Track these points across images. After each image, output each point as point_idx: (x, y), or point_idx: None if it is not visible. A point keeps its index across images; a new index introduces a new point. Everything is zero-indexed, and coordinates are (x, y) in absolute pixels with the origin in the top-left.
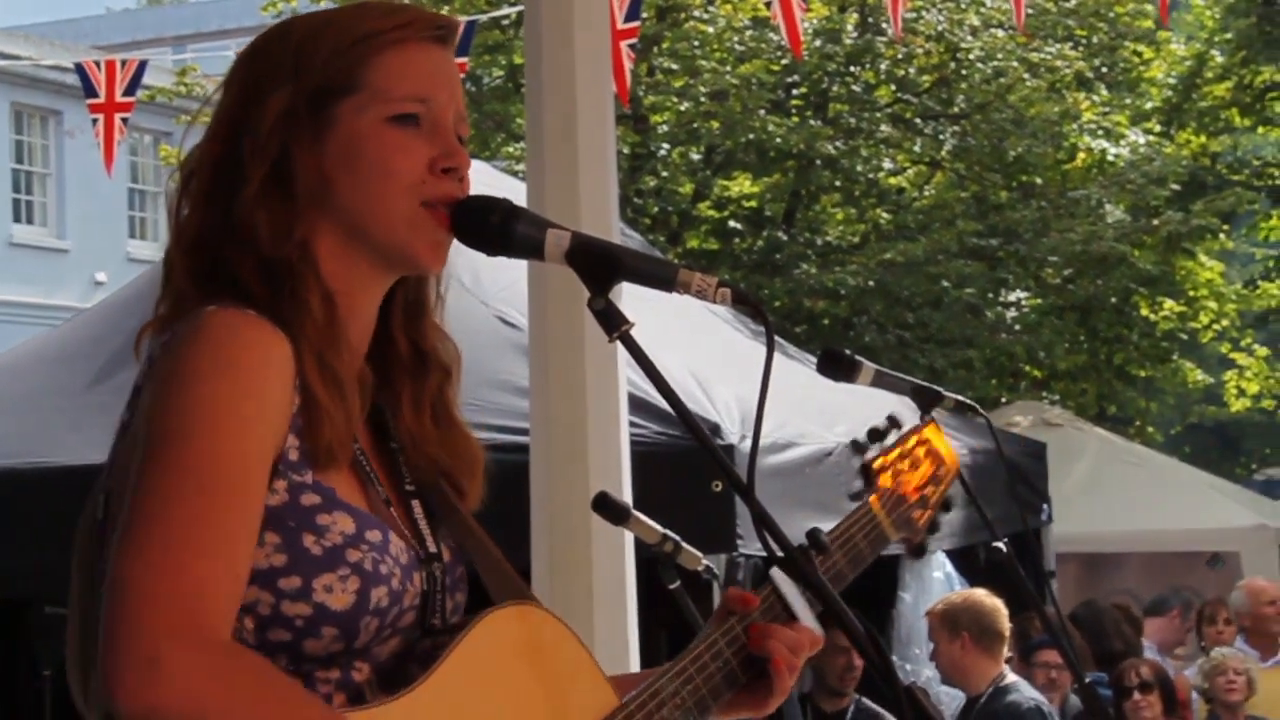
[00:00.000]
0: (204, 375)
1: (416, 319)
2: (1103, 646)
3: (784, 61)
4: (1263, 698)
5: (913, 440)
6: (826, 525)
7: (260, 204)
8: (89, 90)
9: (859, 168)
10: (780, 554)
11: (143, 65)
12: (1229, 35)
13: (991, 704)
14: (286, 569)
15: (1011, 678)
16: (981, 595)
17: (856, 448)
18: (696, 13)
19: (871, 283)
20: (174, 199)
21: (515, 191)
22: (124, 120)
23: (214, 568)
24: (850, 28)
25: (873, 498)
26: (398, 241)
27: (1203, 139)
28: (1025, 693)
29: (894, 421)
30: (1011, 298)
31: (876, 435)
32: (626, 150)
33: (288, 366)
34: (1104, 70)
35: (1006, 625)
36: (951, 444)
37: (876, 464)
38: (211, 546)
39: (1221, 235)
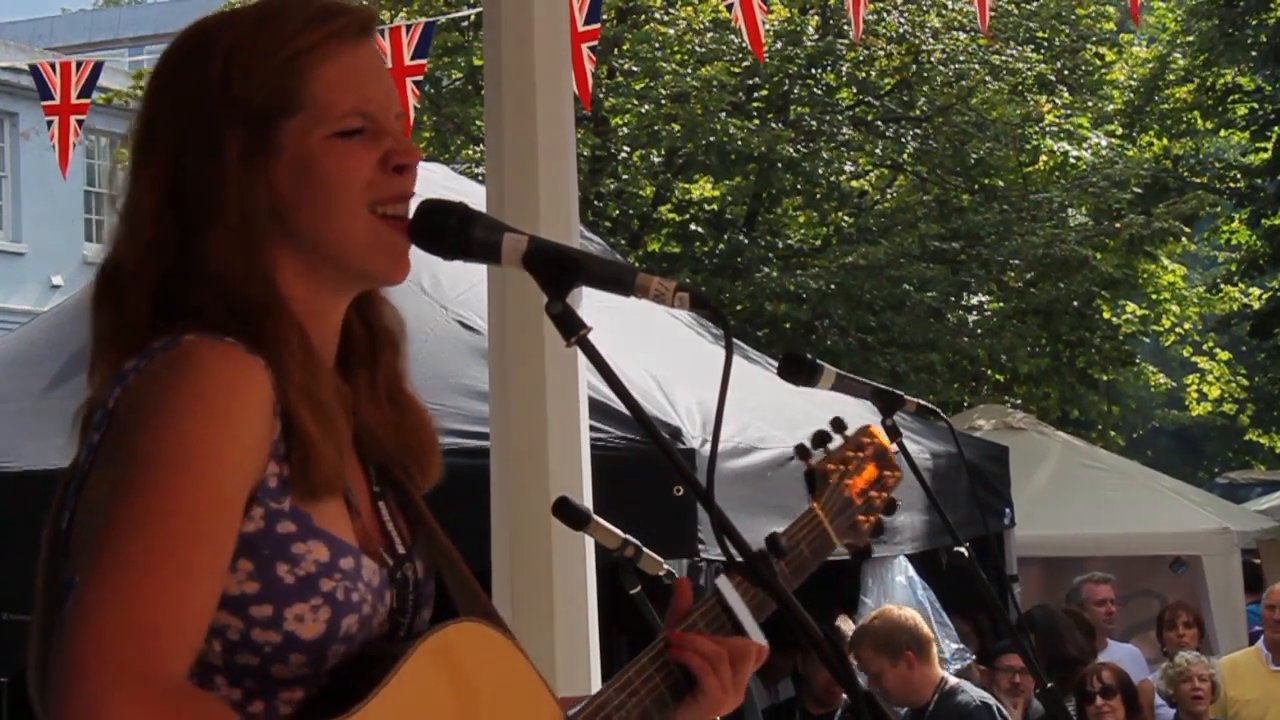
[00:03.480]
0: (183, 411)
1: (368, 298)
2: (1057, 652)
3: (745, 64)
4: None
5: (857, 444)
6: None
7: (226, 242)
8: (44, 92)
9: (820, 170)
10: (740, 559)
11: (99, 67)
12: (1191, 38)
13: (940, 709)
14: (258, 597)
15: (954, 680)
16: (896, 610)
17: (801, 452)
18: (657, 15)
19: (833, 286)
20: (118, 229)
21: (475, 194)
22: (80, 122)
23: (173, 611)
24: (811, 30)
25: (816, 503)
26: (359, 257)
27: (1165, 141)
28: (972, 692)
29: (839, 425)
30: (974, 301)
31: (821, 439)
32: (587, 153)
33: (267, 395)
34: (1066, 73)
35: (928, 627)
36: (911, 447)
37: (821, 468)
38: (172, 589)
39: (1184, 238)
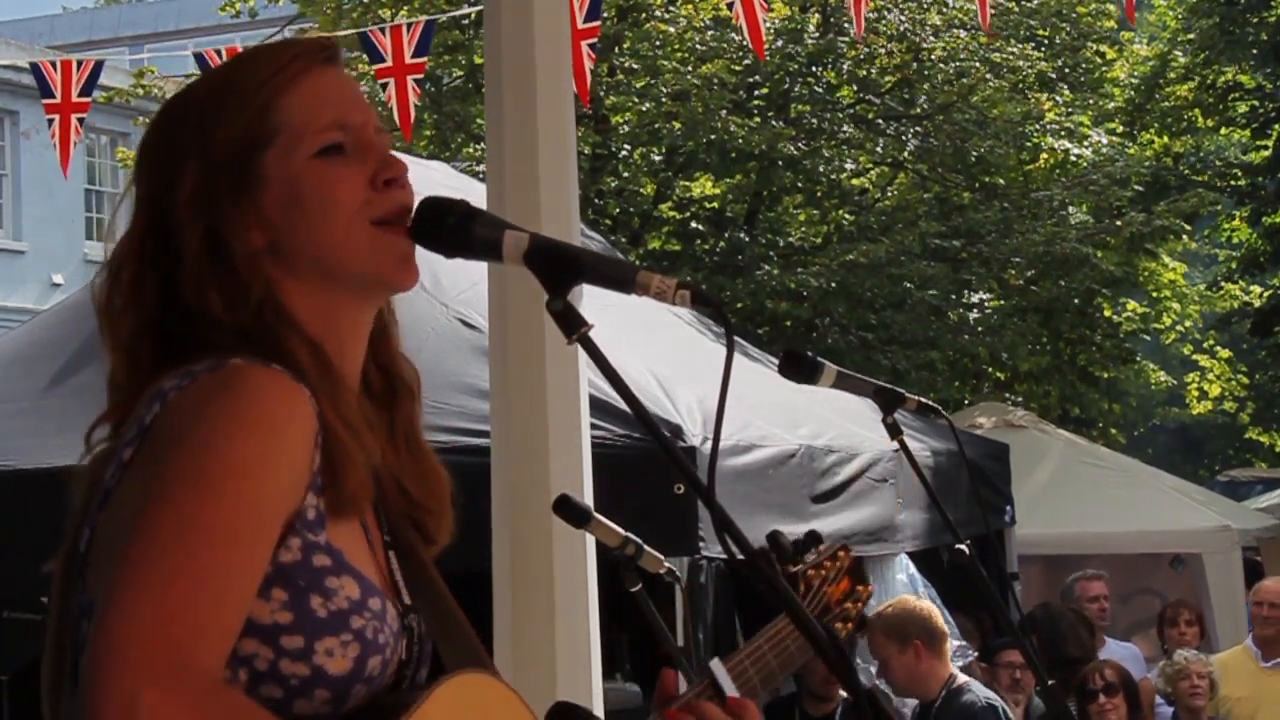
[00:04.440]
0: (234, 430)
1: (382, 345)
2: (1058, 651)
3: (746, 62)
4: None
5: (833, 556)
6: (788, 527)
7: (204, 280)
8: (45, 90)
9: (821, 168)
10: (741, 556)
11: (99, 65)
12: (1191, 36)
13: (947, 707)
14: (290, 627)
15: (962, 678)
16: (913, 601)
17: (782, 558)
18: (657, 13)
19: (834, 284)
20: (101, 296)
21: (476, 192)
22: (80, 121)
23: (212, 611)
24: (812, 28)
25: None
26: (364, 269)
27: (1165, 139)
28: (979, 692)
29: (814, 537)
30: (974, 299)
31: (801, 548)
32: (587, 151)
33: (311, 424)
34: (1067, 71)
35: (944, 623)
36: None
37: (804, 573)
38: (212, 590)
39: (1184, 236)
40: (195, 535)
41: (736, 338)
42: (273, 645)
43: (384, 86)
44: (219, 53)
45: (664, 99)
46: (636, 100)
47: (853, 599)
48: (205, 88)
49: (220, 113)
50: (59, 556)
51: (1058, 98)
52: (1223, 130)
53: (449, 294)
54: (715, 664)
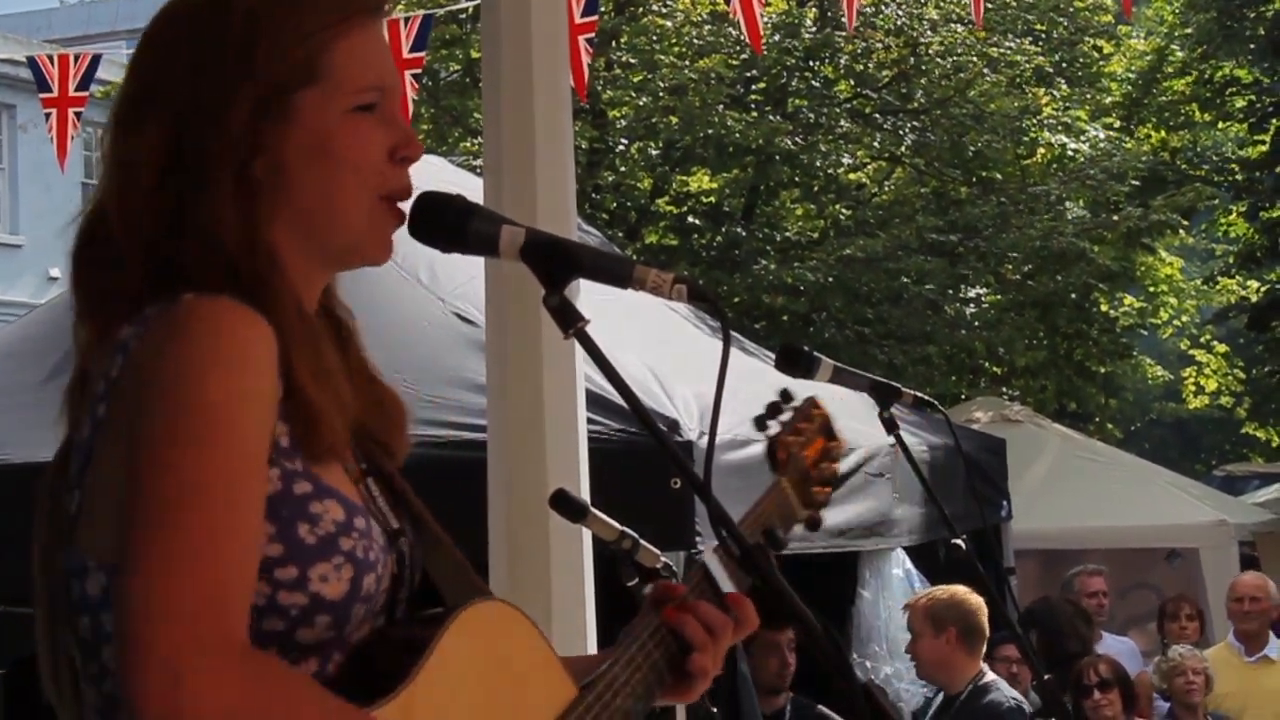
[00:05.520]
0: (198, 374)
1: (326, 287)
2: (1057, 645)
3: (743, 56)
4: None
5: (806, 415)
6: None
7: (230, 205)
8: (42, 84)
9: (818, 163)
10: (737, 551)
11: (96, 59)
12: (1189, 30)
13: (971, 703)
14: (282, 559)
15: (990, 676)
16: (966, 593)
17: (760, 424)
18: (655, 7)
19: (831, 279)
20: (109, 187)
21: (473, 187)
22: (78, 115)
23: (231, 574)
24: (809, 22)
25: (782, 477)
26: (355, 239)
27: (1163, 134)
28: (1005, 692)
29: (787, 396)
30: (971, 294)
31: (774, 410)
32: (584, 145)
33: (273, 353)
34: (1064, 65)
35: (987, 624)
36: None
37: (781, 441)
38: (228, 553)
39: (1181, 231)
40: (198, 499)
41: (733, 332)
42: (268, 579)
43: None
44: None
45: (661, 94)
46: (634, 95)
47: (828, 458)
48: (252, 5)
49: (272, 37)
50: (38, 529)
51: (1055, 92)
52: (1220, 125)
53: (446, 289)
54: (709, 556)
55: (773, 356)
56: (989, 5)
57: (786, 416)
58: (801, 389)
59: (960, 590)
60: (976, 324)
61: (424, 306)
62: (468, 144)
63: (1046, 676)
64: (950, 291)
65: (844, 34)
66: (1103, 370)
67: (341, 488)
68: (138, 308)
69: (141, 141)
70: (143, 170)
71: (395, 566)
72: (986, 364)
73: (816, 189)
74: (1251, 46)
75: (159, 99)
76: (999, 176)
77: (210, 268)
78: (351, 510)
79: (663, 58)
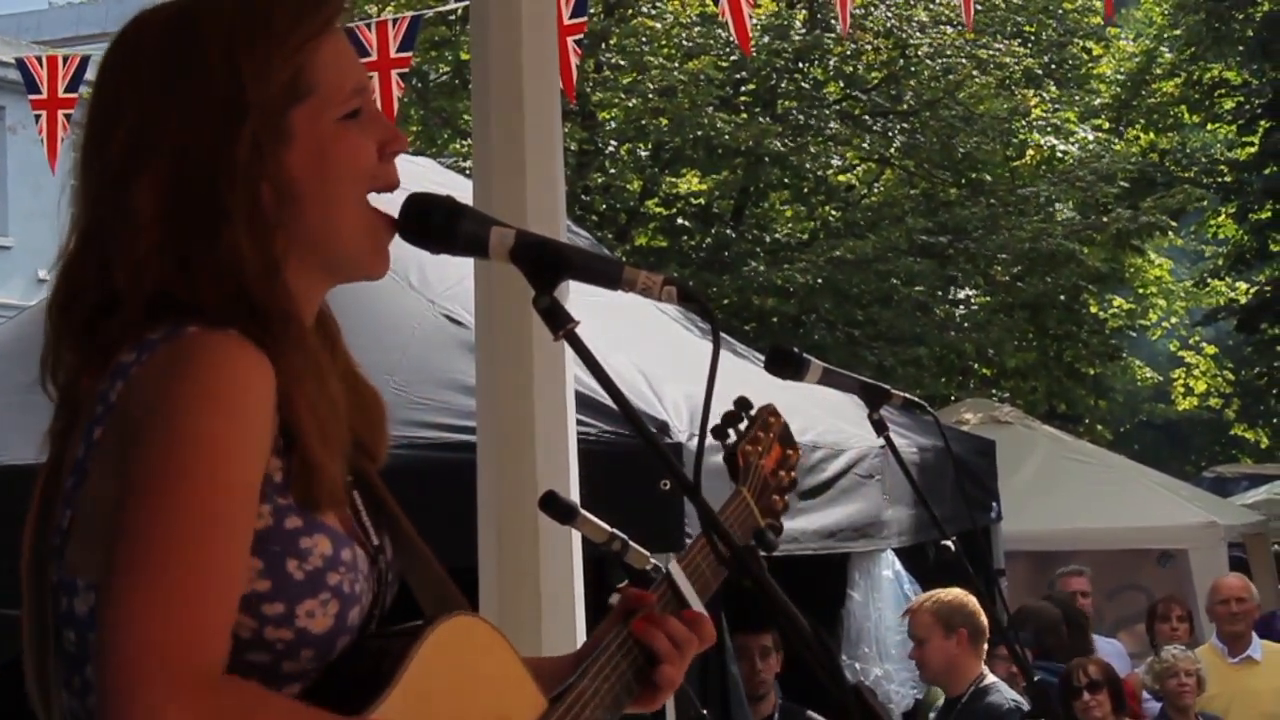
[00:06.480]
0: (195, 409)
1: None
2: (1047, 646)
3: (732, 58)
4: None
5: (764, 424)
6: None
7: (246, 237)
8: (31, 86)
9: (808, 165)
10: (726, 553)
11: (86, 61)
12: (1178, 32)
13: (972, 705)
14: (270, 595)
15: (991, 678)
16: (967, 594)
17: (718, 434)
18: (644, 9)
19: (820, 280)
20: (103, 236)
21: (462, 188)
22: (68, 117)
23: (210, 610)
24: (799, 24)
25: (743, 487)
26: (353, 251)
27: (1152, 136)
28: (1005, 693)
29: (744, 404)
30: (961, 295)
31: (731, 419)
32: (574, 147)
33: (271, 393)
34: (1053, 67)
35: (985, 624)
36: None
37: (740, 450)
38: (214, 587)
39: (1170, 232)
40: (187, 532)
41: (723, 334)
42: (254, 614)
43: None
44: None
45: (651, 95)
46: (623, 96)
47: (785, 467)
48: (224, 25)
49: (256, 60)
50: (28, 536)
51: (1044, 94)
52: (1209, 126)
53: (435, 290)
54: (674, 567)
55: (762, 358)
56: (978, 7)
57: (744, 425)
58: (794, 390)
59: (961, 592)
60: (966, 325)
61: (414, 308)
62: (457, 145)
63: (1036, 678)
64: (940, 293)
65: (833, 36)
66: (1092, 372)
67: (329, 520)
68: (137, 333)
69: (140, 190)
70: (144, 217)
71: (375, 585)
72: (976, 365)
73: (806, 190)
74: (1240, 48)
75: (151, 144)
76: (988, 178)
77: (225, 300)
78: (340, 544)
79: (652, 59)
